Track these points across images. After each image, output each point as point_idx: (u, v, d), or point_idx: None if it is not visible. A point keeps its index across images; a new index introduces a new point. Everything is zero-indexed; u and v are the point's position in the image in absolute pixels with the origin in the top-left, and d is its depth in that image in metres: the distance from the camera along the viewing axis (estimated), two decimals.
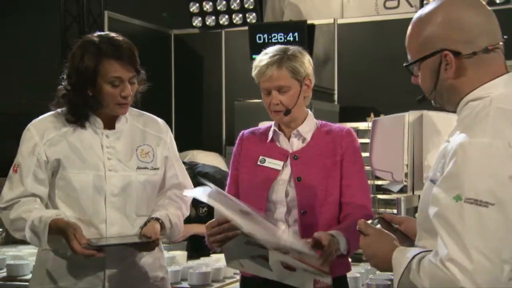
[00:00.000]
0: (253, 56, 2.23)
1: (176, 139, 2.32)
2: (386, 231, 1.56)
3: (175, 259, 2.78)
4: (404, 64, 1.48)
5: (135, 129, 2.16)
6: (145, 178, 2.09)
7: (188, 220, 2.50)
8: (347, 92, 5.35)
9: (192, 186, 2.31)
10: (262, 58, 2.02)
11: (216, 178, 3.49)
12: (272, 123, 2.14)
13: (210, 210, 3.29)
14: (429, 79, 1.44)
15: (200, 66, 6.04)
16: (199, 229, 3.41)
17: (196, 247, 3.33)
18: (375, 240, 1.50)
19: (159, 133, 2.18)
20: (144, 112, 2.25)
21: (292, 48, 2.04)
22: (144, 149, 2.11)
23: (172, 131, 2.32)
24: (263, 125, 2.22)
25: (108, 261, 2.03)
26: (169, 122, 2.35)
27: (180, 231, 2.19)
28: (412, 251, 1.42)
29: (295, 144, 2.06)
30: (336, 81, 5.44)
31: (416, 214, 1.56)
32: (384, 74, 5.23)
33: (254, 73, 2.05)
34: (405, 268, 1.36)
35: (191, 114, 6.04)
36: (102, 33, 2.10)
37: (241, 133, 2.17)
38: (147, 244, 2.01)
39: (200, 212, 3.42)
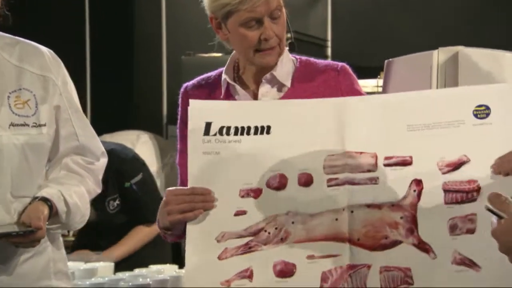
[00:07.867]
0: None
1: (92, 118, 2.14)
2: None
3: (96, 271, 2.84)
4: None
5: (6, 66, 2.06)
6: (24, 139, 2.04)
7: (92, 220, 2.36)
8: (345, 42, 5.33)
9: (103, 150, 2.21)
10: None
11: (126, 156, 3.41)
12: (223, 68, 2.03)
13: (123, 204, 3.22)
14: None
15: (129, 9, 5.98)
16: (121, 251, 3.29)
17: (128, 257, 3.27)
18: None
19: (45, 71, 2.09)
20: (21, 39, 2.10)
21: None
22: (20, 95, 2.06)
23: (86, 106, 2.17)
24: None
25: None
26: (82, 90, 2.19)
27: (84, 216, 2.11)
28: None
29: (269, 95, 2.03)
30: (329, 28, 5.43)
31: None
32: (395, 18, 5.25)
33: None
34: None
35: (115, 79, 5.81)
36: None
37: (183, 88, 2.12)
38: (26, 236, 1.96)
39: (110, 207, 3.30)
